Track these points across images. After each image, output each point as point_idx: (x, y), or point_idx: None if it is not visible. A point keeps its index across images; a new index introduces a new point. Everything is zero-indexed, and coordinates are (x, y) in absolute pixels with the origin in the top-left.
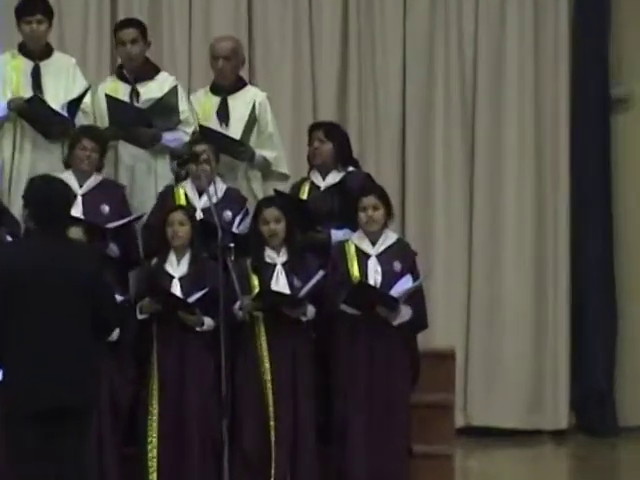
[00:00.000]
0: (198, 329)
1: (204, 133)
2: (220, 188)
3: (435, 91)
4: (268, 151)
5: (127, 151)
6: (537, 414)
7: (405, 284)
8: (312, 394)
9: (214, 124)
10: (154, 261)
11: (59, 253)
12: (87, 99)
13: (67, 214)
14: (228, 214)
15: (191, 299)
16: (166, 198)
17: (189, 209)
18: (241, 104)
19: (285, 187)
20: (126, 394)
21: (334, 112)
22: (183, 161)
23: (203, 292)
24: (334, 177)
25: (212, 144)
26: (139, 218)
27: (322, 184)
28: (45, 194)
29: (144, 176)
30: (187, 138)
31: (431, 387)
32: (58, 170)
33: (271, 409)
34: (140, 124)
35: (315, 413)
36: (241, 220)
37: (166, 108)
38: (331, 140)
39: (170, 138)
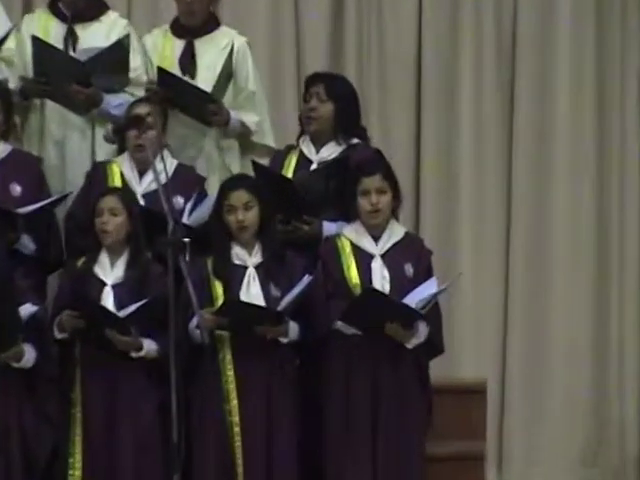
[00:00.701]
0: (134, 355)
1: (163, 80)
2: (170, 164)
3: (462, 34)
4: (248, 114)
5: (55, 117)
6: (595, 468)
7: (426, 291)
8: (294, 442)
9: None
10: (80, 262)
11: None
12: (10, 43)
13: None
14: (179, 200)
15: (123, 313)
16: (95, 179)
17: (126, 193)
18: (213, 51)
19: (267, 160)
20: (43, 443)
21: (324, 66)
22: (120, 126)
23: (140, 304)
24: (332, 150)
25: (173, 97)
26: (61, 200)
27: (315, 158)
28: None
29: (77, 152)
30: None
31: (454, 433)
32: None
33: (239, 461)
34: (74, 80)
35: (297, 465)
36: (193, 206)
37: (113, 62)
38: (333, 100)
39: (114, 103)
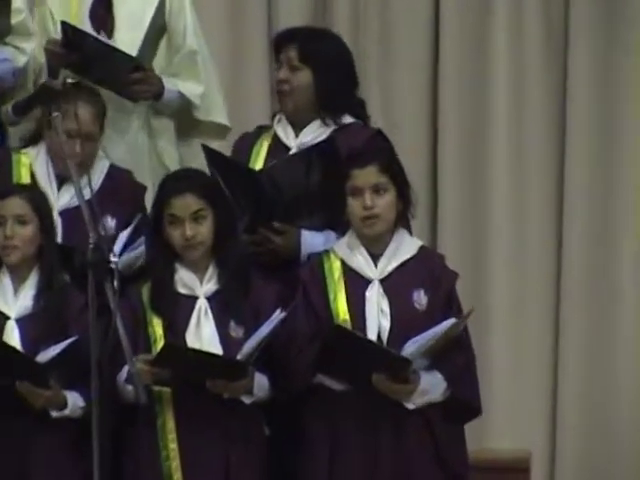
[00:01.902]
0: (55, 414)
1: (68, 39)
2: (101, 168)
3: None
4: (189, 82)
5: None
6: None
7: (440, 331)
8: None
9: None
10: None
11: None
12: None
13: None
14: (109, 223)
15: (42, 358)
16: None
17: (36, 193)
18: None
19: (223, 146)
20: None
21: (305, 18)
22: (27, 102)
23: (64, 345)
24: (317, 133)
25: (81, 62)
26: None
27: (294, 144)
28: None
29: None
30: (22, 63)
31: None
32: None
33: None
34: None
35: None
36: (128, 241)
37: None
38: (310, 65)
39: None
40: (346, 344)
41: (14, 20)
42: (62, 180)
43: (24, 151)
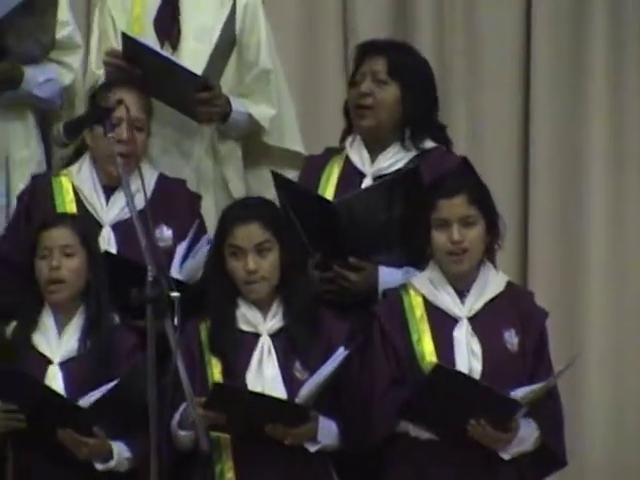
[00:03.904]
0: (100, 467)
1: (129, 52)
2: (149, 177)
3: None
4: (260, 104)
5: None
6: None
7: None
8: None
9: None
10: (10, 328)
11: None
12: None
13: None
14: (165, 233)
15: (85, 402)
16: (33, 201)
17: (83, 221)
18: (206, 6)
19: (293, 174)
20: None
21: (384, 31)
22: (79, 122)
23: (107, 389)
24: (395, 158)
25: (143, 77)
26: None
27: (369, 170)
28: None
29: None
30: (68, 81)
31: None
32: None
33: None
34: None
35: None
36: (188, 249)
37: (32, 17)
38: (399, 81)
39: (39, 79)
40: (447, 386)
41: (59, 34)
42: (110, 192)
43: (64, 172)
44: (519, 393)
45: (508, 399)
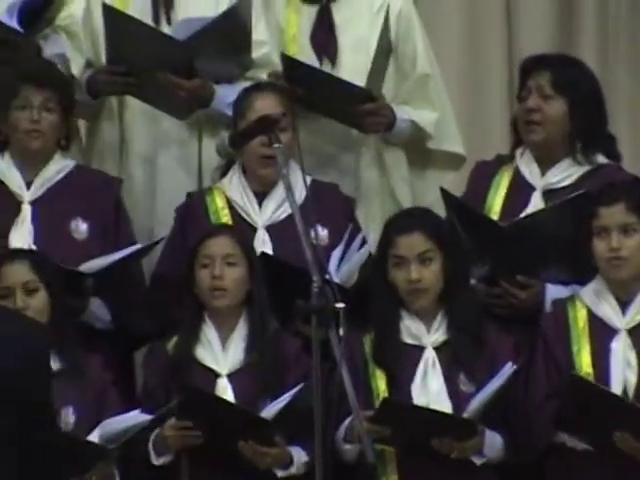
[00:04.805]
0: (281, 474)
1: (290, 72)
2: (301, 182)
3: None
4: (421, 110)
5: (141, 124)
6: None
7: None
8: None
9: (308, 60)
10: (171, 344)
11: None
12: (74, 8)
13: None
14: (321, 232)
15: (268, 414)
16: (190, 216)
17: (241, 232)
18: (360, 17)
19: (452, 185)
20: None
21: (549, 44)
22: (245, 134)
23: (288, 398)
24: (566, 173)
25: (306, 95)
26: (149, 250)
27: (539, 184)
28: None
29: (173, 175)
30: None
31: None
32: None
33: None
34: (171, 68)
35: None
36: (344, 253)
37: (227, 38)
38: (566, 95)
39: (229, 99)
40: (585, 397)
41: (256, 53)
42: (261, 197)
43: (216, 185)
44: None
45: None
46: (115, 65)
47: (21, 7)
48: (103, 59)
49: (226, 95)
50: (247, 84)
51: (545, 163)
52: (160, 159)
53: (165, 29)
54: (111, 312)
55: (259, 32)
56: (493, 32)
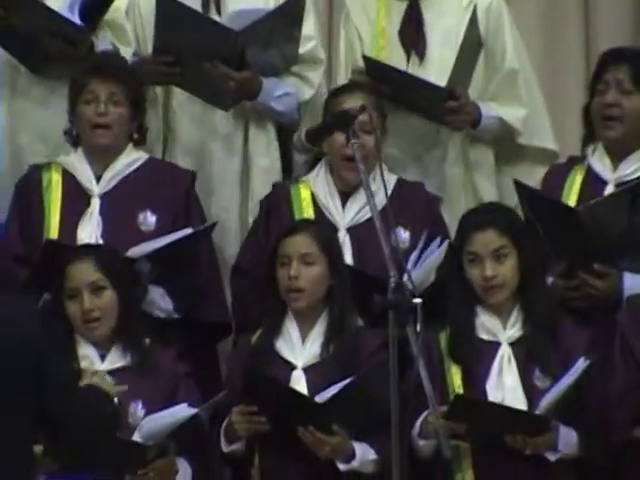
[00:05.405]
0: (343, 467)
1: (373, 72)
2: (387, 181)
3: None
4: (509, 106)
5: (187, 115)
6: None
7: None
8: None
9: (396, 57)
10: (255, 337)
11: None
12: (119, 1)
13: None
14: (402, 235)
15: (321, 398)
16: (274, 209)
17: (323, 228)
18: (448, 12)
19: (533, 180)
20: None
21: (625, 37)
22: (322, 129)
23: (344, 385)
24: (636, 165)
25: (389, 93)
26: (202, 234)
27: (611, 177)
28: None
29: (221, 169)
30: (308, 95)
31: None
32: (63, 142)
33: None
34: (220, 59)
35: None
36: (421, 253)
37: (277, 31)
38: None
39: (276, 92)
40: None
41: (303, 48)
42: (345, 197)
43: (303, 179)
44: None
45: None
46: (161, 55)
47: (82, 2)
48: (148, 49)
49: (273, 89)
50: (292, 79)
51: (617, 156)
52: (206, 149)
53: (215, 17)
54: (173, 301)
55: (307, 27)
56: (570, 28)
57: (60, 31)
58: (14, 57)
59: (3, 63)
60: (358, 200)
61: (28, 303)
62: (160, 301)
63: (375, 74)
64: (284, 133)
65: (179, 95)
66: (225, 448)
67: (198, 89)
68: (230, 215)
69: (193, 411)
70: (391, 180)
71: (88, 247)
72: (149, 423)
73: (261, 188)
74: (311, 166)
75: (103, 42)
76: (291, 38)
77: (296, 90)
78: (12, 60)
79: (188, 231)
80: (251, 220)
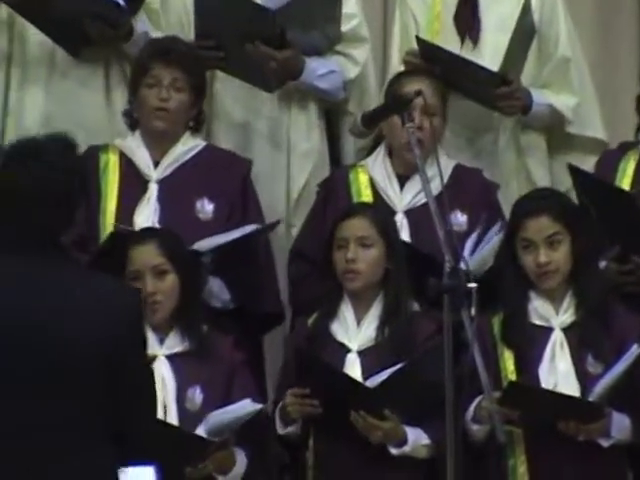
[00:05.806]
0: (394, 452)
1: (426, 54)
2: (444, 166)
3: None
4: (561, 94)
5: (231, 96)
6: None
7: None
8: None
9: (450, 42)
10: (312, 320)
11: (46, 299)
12: None
13: (67, 219)
14: (459, 219)
15: (372, 383)
16: (332, 193)
17: (380, 212)
18: None
19: (585, 168)
20: None
21: None
22: (378, 113)
23: (395, 370)
24: None
25: (441, 75)
26: (271, 228)
27: None
28: (17, 180)
29: (265, 146)
30: (353, 74)
31: None
32: (102, 127)
33: None
34: (261, 39)
35: None
36: (478, 239)
37: (316, 9)
38: None
39: (319, 71)
40: None
41: (345, 27)
42: (404, 180)
43: (361, 163)
44: None
45: None
46: (204, 40)
47: None
48: (191, 36)
49: (316, 67)
50: (336, 58)
51: None
52: (249, 131)
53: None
54: (230, 292)
55: (349, 5)
56: (624, 18)
57: (102, 13)
58: (52, 40)
59: (40, 44)
60: (416, 183)
61: (134, 291)
62: (219, 292)
63: (428, 56)
64: (332, 118)
65: (223, 78)
66: (281, 430)
67: (242, 72)
68: (274, 196)
69: (259, 406)
70: (449, 165)
71: (152, 230)
72: (214, 418)
73: (299, 172)
74: (368, 152)
75: (142, 25)
76: (331, 17)
77: (341, 68)
78: (49, 42)
79: (252, 227)
80: (290, 204)
